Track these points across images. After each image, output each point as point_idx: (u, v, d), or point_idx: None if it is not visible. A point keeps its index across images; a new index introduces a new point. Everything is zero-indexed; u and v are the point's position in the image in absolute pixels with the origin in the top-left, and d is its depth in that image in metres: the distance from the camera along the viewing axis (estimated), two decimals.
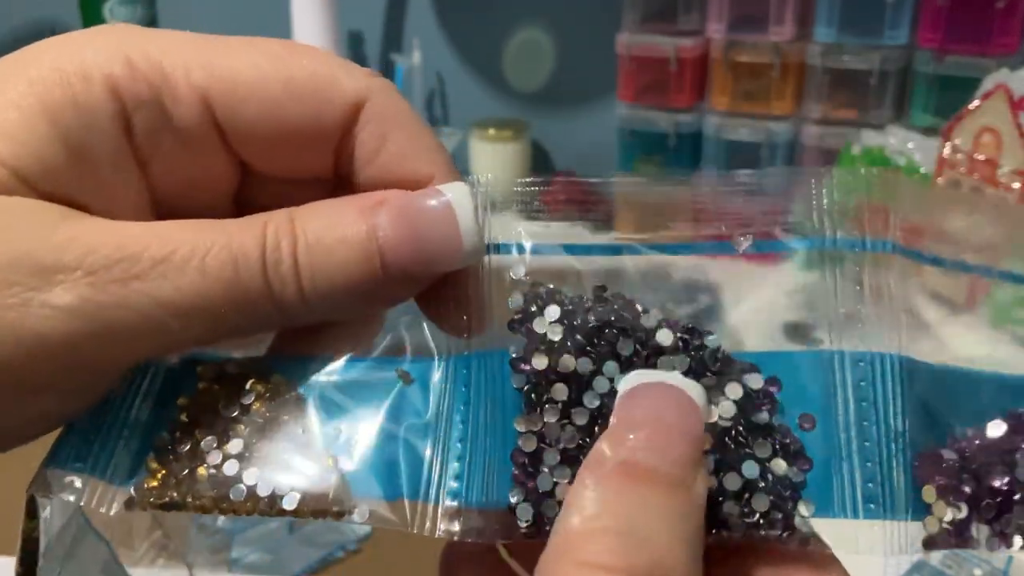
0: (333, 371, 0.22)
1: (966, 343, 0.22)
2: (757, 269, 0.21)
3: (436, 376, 0.22)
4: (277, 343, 0.23)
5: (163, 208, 0.22)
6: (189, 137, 0.21)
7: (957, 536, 0.19)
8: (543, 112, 1.06)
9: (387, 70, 1.10)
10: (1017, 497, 0.19)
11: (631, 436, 0.19)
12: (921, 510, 0.20)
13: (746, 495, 0.20)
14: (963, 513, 0.19)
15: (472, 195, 0.21)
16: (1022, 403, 0.20)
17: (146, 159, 0.21)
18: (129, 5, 0.92)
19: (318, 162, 0.23)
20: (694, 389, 0.20)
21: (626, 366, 0.21)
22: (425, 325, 0.23)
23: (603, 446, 0.19)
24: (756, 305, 0.22)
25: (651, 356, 0.21)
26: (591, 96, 1.04)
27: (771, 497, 0.20)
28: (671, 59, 0.86)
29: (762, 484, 0.20)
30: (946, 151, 0.71)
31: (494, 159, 1.01)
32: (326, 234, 0.21)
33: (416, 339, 0.23)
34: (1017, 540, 0.19)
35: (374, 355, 0.22)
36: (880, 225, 0.21)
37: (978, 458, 0.20)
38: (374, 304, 0.22)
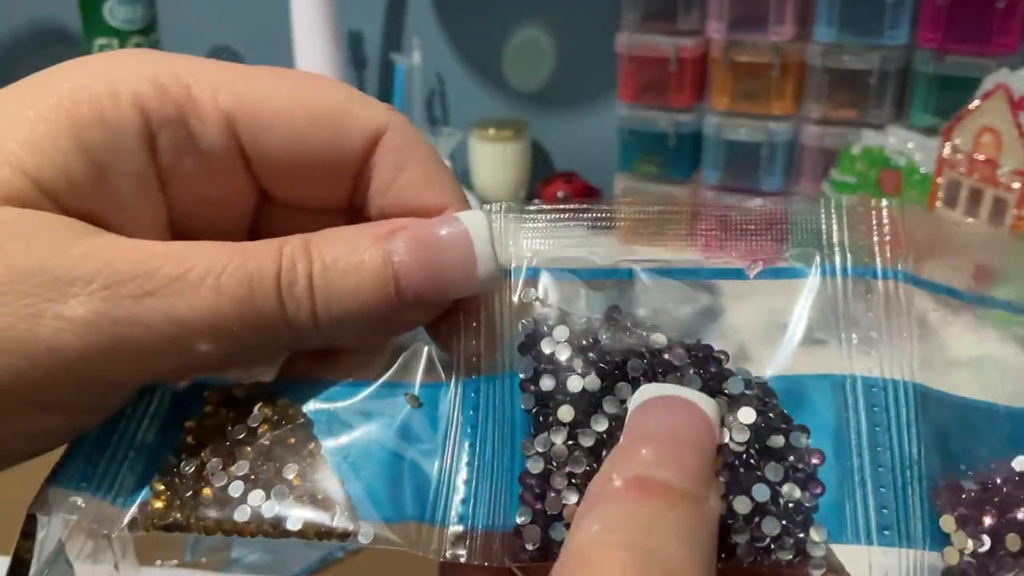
0: (341, 395, 0.22)
1: (966, 343, 0.22)
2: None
3: (444, 400, 0.22)
4: (286, 369, 0.23)
5: (180, 230, 0.22)
6: (213, 159, 0.21)
7: (981, 570, 0.19)
8: (543, 112, 1.06)
9: (387, 70, 1.10)
10: None
11: (643, 450, 0.18)
12: (939, 540, 0.19)
13: (756, 519, 0.19)
14: (985, 546, 0.19)
15: (488, 223, 0.21)
16: None
17: (168, 179, 0.22)
18: (129, 5, 0.92)
19: (335, 191, 0.23)
20: (708, 404, 0.19)
21: (636, 386, 0.20)
22: (434, 350, 0.23)
23: (614, 460, 0.19)
24: (757, 306, 0.21)
25: (661, 376, 0.21)
26: (591, 96, 1.04)
27: (782, 521, 0.19)
28: (671, 59, 0.86)
29: (773, 508, 0.19)
30: (946, 151, 0.71)
31: (494, 159, 1.01)
32: (342, 258, 0.21)
33: (425, 364, 0.23)
34: None
35: (382, 380, 0.22)
36: (890, 255, 0.21)
37: (1001, 491, 0.19)
38: (387, 330, 0.22)
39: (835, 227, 0.21)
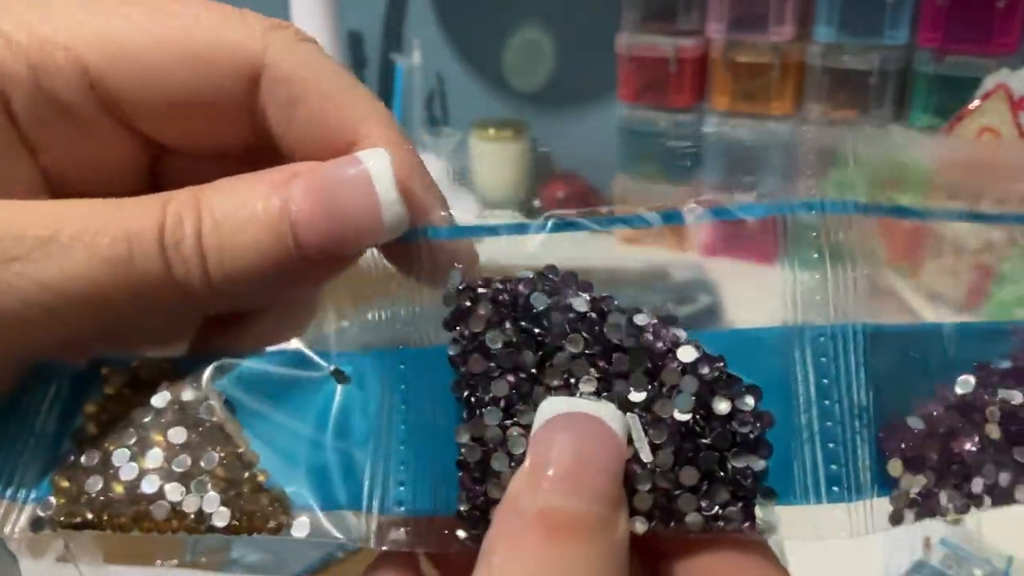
0: (258, 370, 0.20)
1: None
2: (756, 269, 0.21)
3: (372, 374, 0.20)
4: (199, 339, 0.21)
5: (64, 193, 0.20)
6: (75, 114, 0.19)
7: (925, 505, 0.19)
8: (543, 112, 1.06)
9: (387, 70, 1.10)
10: (987, 456, 0.19)
11: (549, 476, 0.17)
12: (887, 485, 0.19)
13: (704, 488, 0.19)
14: (930, 482, 0.19)
15: (391, 162, 0.19)
16: (990, 352, 0.20)
17: (34, 142, 0.20)
18: None
19: (227, 133, 0.21)
20: (614, 417, 0.18)
21: (576, 358, 0.19)
22: (352, 314, 0.21)
23: (519, 487, 0.18)
24: (756, 305, 0.21)
25: (603, 351, 0.19)
26: (591, 96, 1.04)
27: (730, 488, 0.19)
28: (671, 59, 0.86)
29: (721, 475, 0.19)
30: None
31: (494, 159, 1.01)
32: (234, 211, 0.19)
33: (341, 328, 0.21)
34: (987, 500, 0.19)
35: (303, 350, 0.20)
36: (836, 185, 0.20)
37: (945, 421, 0.19)
38: (291, 287, 0.20)
39: (777, 162, 0.20)
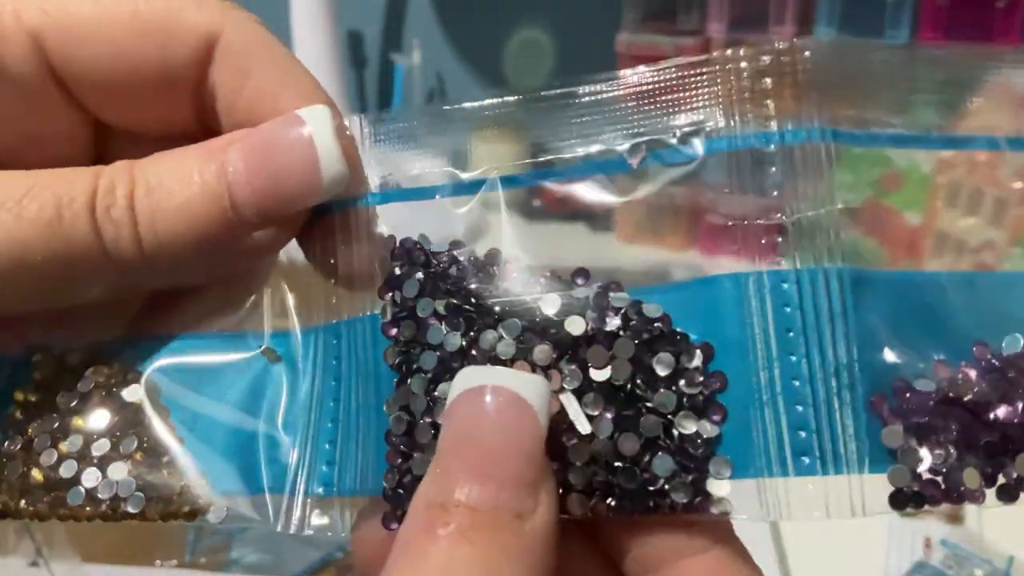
0: (188, 352, 0.20)
1: None
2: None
3: (304, 351, 0.20)
4: (138, 320, 0.21)
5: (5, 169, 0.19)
6: (22, 85, 0.19)
7: (945, 488, 0.16)
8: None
9: (387, 70, 1.10)
10: None
11: (455, 459, 0.16)
12: (883, 459, 0.16)
13: (647, 458, 0.17)
14: (952, 457, 0.16)
15: (331, 117, 0.19)
16: None
17: None
18: None
19: (175, 111, 0.20)
20: (532, 389, 0.16)
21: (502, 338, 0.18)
22: (288, 293, 0.20)
23: (428, 476, 0.16)
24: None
25: (538, 331, 0.18)
26: None
27: (677, 458, 0.16)
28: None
29: (666, 443, 0.17)
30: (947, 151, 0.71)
31: (494, 159, 1.01)
32: (169, 176, 0.18)
33: (279, 309, 0.20)
34: None
35: (235, 331, 0.20)
36: (798, 112, 0.17)
37: (975, 385, 0.16)
38: (231, 257, 0.19)
39: (721, 89, 0.18)
